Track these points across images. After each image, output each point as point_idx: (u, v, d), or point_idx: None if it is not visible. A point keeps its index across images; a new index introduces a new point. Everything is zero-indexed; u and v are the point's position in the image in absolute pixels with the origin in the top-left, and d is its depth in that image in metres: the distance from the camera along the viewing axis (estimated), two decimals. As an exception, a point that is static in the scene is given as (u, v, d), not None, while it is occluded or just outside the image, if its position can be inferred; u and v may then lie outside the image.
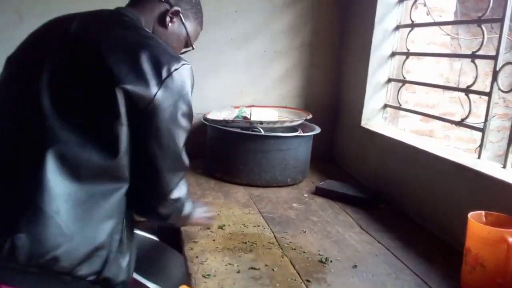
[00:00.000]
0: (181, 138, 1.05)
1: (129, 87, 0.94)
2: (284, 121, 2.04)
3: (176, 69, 1.01)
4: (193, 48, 1.31)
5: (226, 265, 1.28)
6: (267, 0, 2.40)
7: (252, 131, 1.99)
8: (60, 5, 1.78)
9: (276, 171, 2.00)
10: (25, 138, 0.95)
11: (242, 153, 1.99)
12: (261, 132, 1.97)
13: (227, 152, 2.05)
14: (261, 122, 1.99)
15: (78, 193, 0.92)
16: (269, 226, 1.58)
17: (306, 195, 1.95)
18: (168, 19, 1.19)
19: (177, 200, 1.14)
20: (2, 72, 1.09)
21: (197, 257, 1.32)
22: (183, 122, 1.04)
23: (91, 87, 0.97)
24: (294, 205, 1.83)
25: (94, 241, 0.94)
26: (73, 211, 0.91)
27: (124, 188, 1.00)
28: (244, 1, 2.39)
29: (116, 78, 0.94)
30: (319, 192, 1.97)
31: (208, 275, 1.21)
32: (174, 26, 1.21)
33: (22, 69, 1.04)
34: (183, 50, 1.30)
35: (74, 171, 0.92)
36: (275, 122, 2.00)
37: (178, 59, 1.03)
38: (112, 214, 0.98)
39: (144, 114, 0.97)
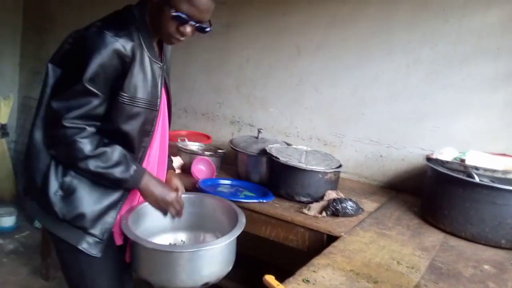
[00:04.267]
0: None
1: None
2: (509, 172, 1.72)
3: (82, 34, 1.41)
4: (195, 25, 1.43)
5: (333, 283, 1.29)
6: (543, 36, 2.06)
7: (468, 176, 1.79)
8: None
9: (486, 227, 1.72)
10: None
11: (450, 198, 1.82)
12: (474, 178, 1.75)
13: (435, 194, 1.91)
14: (477, 168, 1.76)
15: None
16: (424, 272, 1.44)
17: (515, 264, 1.60)
18: None
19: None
20: None
21: (317, 266, 1.39)
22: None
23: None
24: (486, 267, 1.55)
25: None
26: None
27: None
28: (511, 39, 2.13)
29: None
30: (535, 265, 1.58)
31: (307, 281, 1.29)
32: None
33: None
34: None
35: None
36: (494, 171, 1.73)
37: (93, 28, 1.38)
38: None
39: None
